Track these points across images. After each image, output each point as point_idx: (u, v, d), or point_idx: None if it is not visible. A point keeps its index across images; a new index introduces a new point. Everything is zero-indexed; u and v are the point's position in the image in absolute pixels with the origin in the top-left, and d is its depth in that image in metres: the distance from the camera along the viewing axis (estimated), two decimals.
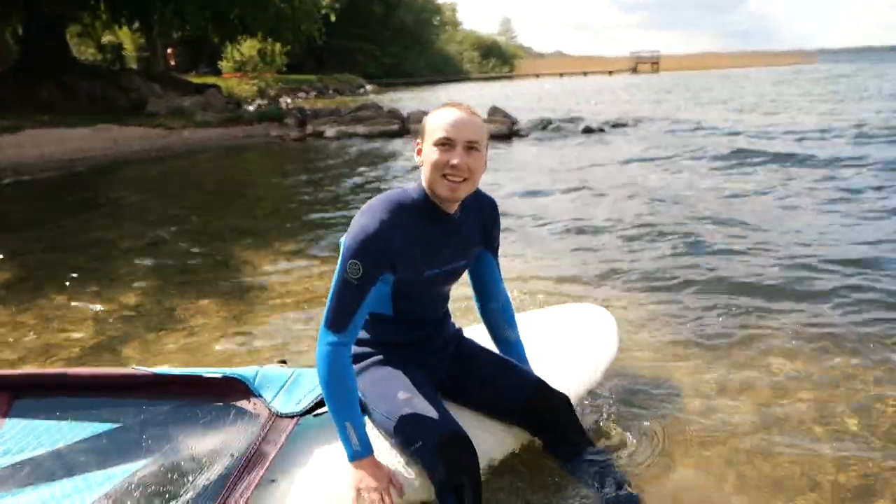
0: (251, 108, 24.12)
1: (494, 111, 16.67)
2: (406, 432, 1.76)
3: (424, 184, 1.80)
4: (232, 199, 9.03)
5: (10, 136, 14.77)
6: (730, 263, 4.61)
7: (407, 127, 17.01)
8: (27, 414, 1.86)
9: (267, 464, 1.73)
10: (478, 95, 33.04)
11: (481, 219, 1.98)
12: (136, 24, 23.11)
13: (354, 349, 1.90)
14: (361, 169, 11.17)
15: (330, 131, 17.11)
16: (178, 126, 18.69)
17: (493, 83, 55.44)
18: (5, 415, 1.86)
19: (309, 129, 18.12)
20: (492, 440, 1.99)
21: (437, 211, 1.83)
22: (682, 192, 7.46)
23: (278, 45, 32.18)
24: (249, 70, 34.98)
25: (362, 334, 1.96)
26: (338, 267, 1.76)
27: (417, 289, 1.89)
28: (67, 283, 4.92)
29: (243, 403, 1.92)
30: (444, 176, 1.72)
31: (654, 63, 76.80)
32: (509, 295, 2.22)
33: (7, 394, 1.90)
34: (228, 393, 1.95)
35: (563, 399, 2.01)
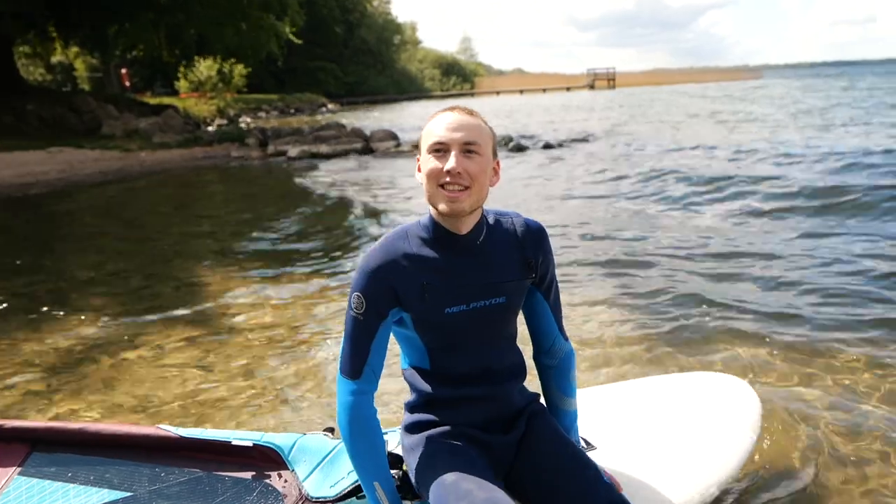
0: (211, 128, 23.76)
1: None
2: None
3: (426, 201, 1.55)
4: (193, 224, 8.80)
5: None
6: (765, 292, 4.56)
7: (370, 146, 16.94)
8: (40, 469, 1.76)
9: None
10: None
11: (520, 246, 1.63)
12: (88, 45, 22.59)
13: (406, 417, 1.69)
14: (327, 190, 11.04)
15: (293, 151, 16.93)
16: (135, 148, 18.30)
17: (455, 100, 55.86)
18: (20, 465, 1.77)
19: (271, 149, 17.90)
20: None
21: (447, 234, 1.56)
22: (647, 209, 7.53)
23: (239, 66, 31.87)
24: (208, 90, 34.51)
25: (411, 396, 1.70)
26: (347, 305, 1.59)
27: (446, 332, 1.58)
28: (25, 316, 4.73)
29: (272, 479, 1.72)
30: (442, 186, 1.49)
31: (610, 79, 78.41)
32: (573, 348, 1.80)
33: (26, 445, 1.82)
34: (259, 463, 1.76)
35: None
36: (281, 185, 12.63)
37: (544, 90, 73.56)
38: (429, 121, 1.55)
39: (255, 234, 7.66)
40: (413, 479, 1.61)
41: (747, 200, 7.59)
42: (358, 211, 8.72)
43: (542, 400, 1.81)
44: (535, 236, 1.66)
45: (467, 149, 1.49)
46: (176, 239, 7.68)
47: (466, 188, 1.48)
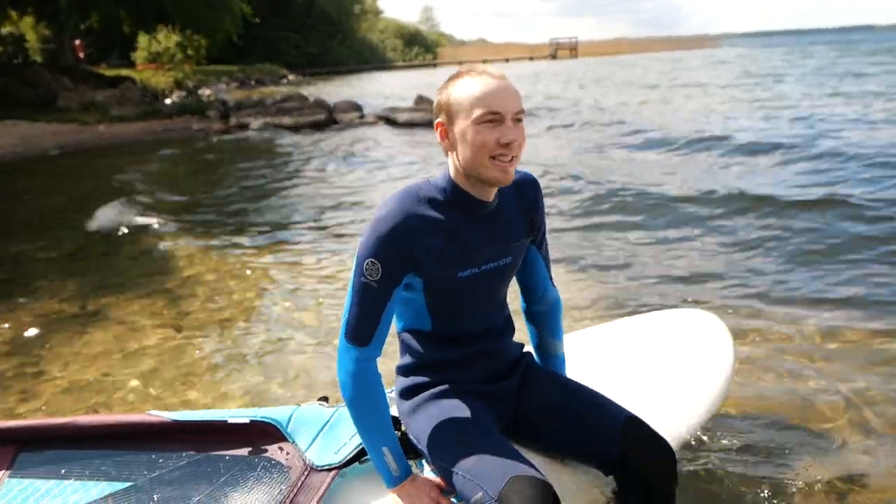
0: (169, 101, 23.34)
1: (420, 100, 16.83)
2: (465, 483, 1.43)
3: (461, 168, 1.49)
4: (155, 197, 8.83)
5: None
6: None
7: (334, 117, 16.96)
8: (32, 469, 1.68)
9: None
10: (403, 84, 33.05)
11: (521, 203, 1.64)
12: (42, 15, 21.88)
13: (401, 381, 1.68)
14: (294, 161, 11.13)
15: (255, 123, 16.85)
16: (93, 121, 17.97)
17: (418, 71, 55.43)
18: (9, 467, 1.68)
19: (233, 121, 17.77)
20: (575, 489, 1.62)
21: (469, 200, 1.52)
22: (621, 171, 7.88)
23: (198, 37, 31.19)
24: (166, 61, 33.70)
25: (405, 359, 1.67)
26: (353, 270, 1.51)
27: (455, 294, 1.56)
28: None
29: (274, 453, 1.68)
30: (493, 157, 1.43)
31: (572, 49, 78.54)
32: (559, 294, 1.84)
33: (13, 446, 1.73)
34: (258, 439, 1.72)
35: (662, 447, 1.57)
36: (244, 157, 12.63)
37: (507, 60, 73.43)
38: (459, 84, 1.46)
39: (218, 207, 7.74)
40: (416, 442, 1.61)
41: (702, 154, 8.04)
42: (324, 183, 8.88)
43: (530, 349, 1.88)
44: (532, 191, 1.67)
45: (517, 117, 1.45)
46: (143, 213, 7.66)
47: (513, 158, 1.45)
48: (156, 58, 34.24)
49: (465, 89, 1.45)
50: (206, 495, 1.58)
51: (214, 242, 5.91)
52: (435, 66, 71.88)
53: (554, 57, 76.35)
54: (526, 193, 1.65)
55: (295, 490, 1.56)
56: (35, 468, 1.68)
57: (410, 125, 14.75)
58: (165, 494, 1.59)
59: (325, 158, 11.26)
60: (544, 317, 1.84)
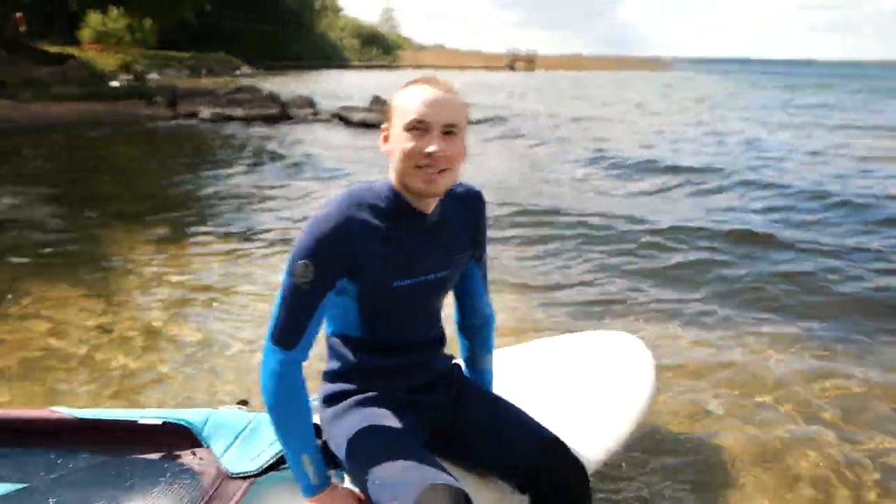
0: (115, 83, 22.55)
1: (376, 101, 16.77)
2: (381, 493, 1.40)
3: (394, 176, 1.49)
4: (94, 182, 8.53)
5: None
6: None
7: (287, 112, 16.72)
8: None
9: None
10: (360, 85, 32.86)
11: (466, 217, 1.63)
12: None
13: (326, 388, 1.64)
14: (240, 155, 10.92)
15: (204, 112, 16.46)
16: (29, 98, 17.19)
17: (375, 72, 55.21)
18: None
19: (181, 109, 17.31)
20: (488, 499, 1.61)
21: (408, 209, 1.50)
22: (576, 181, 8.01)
23: (149, 21, 30.26)
24: (113, 42, 32.55)
25: (332, 364, 1.64)
26: (285, 271, 1.47)
27: (389, 304, 1.54)
28: None
29: (187, 457, 1.60)
30: (419, 167, 1.42)
31: (529, 61, 79.61)
32: (493, 310, 1.85)
33: None
34: (170, 442, 1.63)
35: (575, 466, 1.57)
36: (191, 146, 12.33)
37: (462, 68, 73.90)
38: (402, 91, 1.47)
39: (162, 196, 7.55)
40: (336, 451, 1.57)
41: (645, 176, 8.24)
42: (270, 175, 8.74)
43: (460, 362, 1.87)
44: (477, 206, 1.67)
45: (448, 130, 1.43)
46: (76, 200, 7.42)
47: (444, 170, 1.43)
48: (102, 38, 33.03)
49: (404, 96, 1.45)
50: (109, 500, 1.46)
51: (156, 237, 5.74)
52: (394, 68, 71.72)
53: (511, 68, 77.22)
54: (470, 207, 1.65)
55: (206, 498, 1.47)
56: None
57: (364, 125, 14.67)
58: (64, 498, 1.47)
59: (274, 152, 11.08)
60: (477, 331, 1.84)
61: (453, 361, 1.78)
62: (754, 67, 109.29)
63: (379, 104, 16.30)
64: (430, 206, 1.52)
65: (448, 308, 1.75)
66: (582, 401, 2.01)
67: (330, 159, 10.26)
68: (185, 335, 3.58)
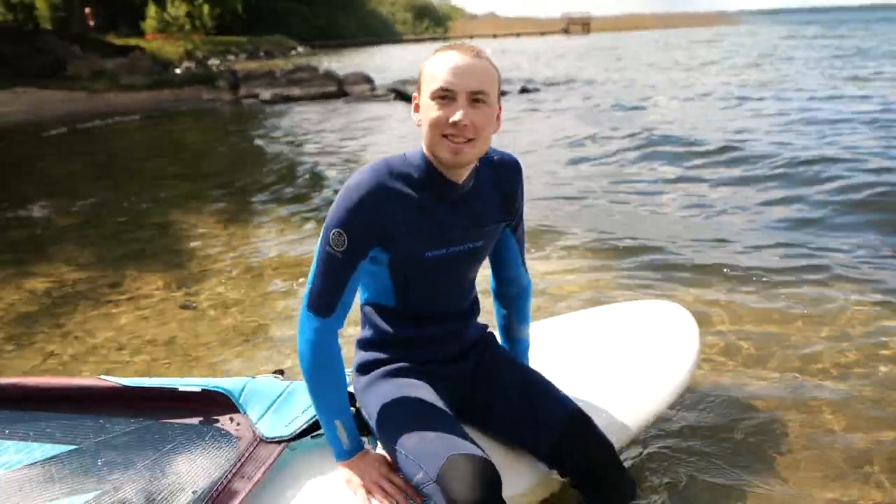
0: (179, 70, 23.27)
1: None
2: (408, 463, 1.43)
3: (424, 146, 1.47)
4: (165, 166, 8.87)
5: None
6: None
7: (344, 89, 16.89)
8: None
9: (239, 500, 1.45)
10: (413, 59, 32.80)
11: (500, 187, 1.59)
12: None
13: (360, 356, 1.66)
14: (301, 133, 11.12)
15: (265, 94, 16.81)
16: (102, 89, 17.98)
17: (428, 45, 54.96)
18: None
19: (242, 91, 17.74)
20: (518, 478, 1.59)
21: (440, 179, 1.48)
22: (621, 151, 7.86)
23: (206, 7, 31.02)
24: (175, 31, 33.53)
25: (365, 332, 1.65)
26: (319, 240, 1.48)
27: (421, 274, 1.53)
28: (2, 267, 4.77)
29: (224, 423, 1.66)
30: (445, 136, 1.39)
31: (584, 24, 77.59)
32: (531, 280, 1.82)
33: None
34: (209, 409, 1.70)
35: (600, 443, 1.55)
36: (255, 128, 12.64)
37: (518, 35, 72.61)
38: (430, 59, 1.44)
39: (230, 177, 7.76)
40: (368, 419, 1.59)
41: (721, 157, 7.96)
42: (333, 154, 8.88)
43: (495, 331, 1.85)
44: (513, 175, 1.63)
45: (475, 97, 1.39)
46: (149, 182, 7.72)
47: (471, 140, 1.40)
48: (165, 27, 34.07)
49: (432, 64, 1.42)
50: (151, 461, 1.54)
51: (227, 215, 5.94)
52: (445, 39, 71.19)
53: (566, 32, 75.50)
54: (505, 176, 1.60)
55: (242, 460, 1.53)
56: None
57: None
58: (110, 458, 1.55)
59: (335, 131, 11.25)
60: (513, 301, 1.82)
61: (487, 330, 1.77)
62: (836, 15, 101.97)
63: None
64: (462, 175, 1.50)
65: (485, 275, 1.71)
66: (619, 372, 1.99)
67: (391, 134, 10.35)
68: (258, 309, 3.68)
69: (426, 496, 1.40)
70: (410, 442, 1.43)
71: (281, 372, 1.89)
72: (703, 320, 2.96)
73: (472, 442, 1.42)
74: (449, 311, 1.62)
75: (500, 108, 1.48)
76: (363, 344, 1.66)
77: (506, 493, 1.39)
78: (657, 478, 2.02)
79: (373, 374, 1.62)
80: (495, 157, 1.60)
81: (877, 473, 2.06)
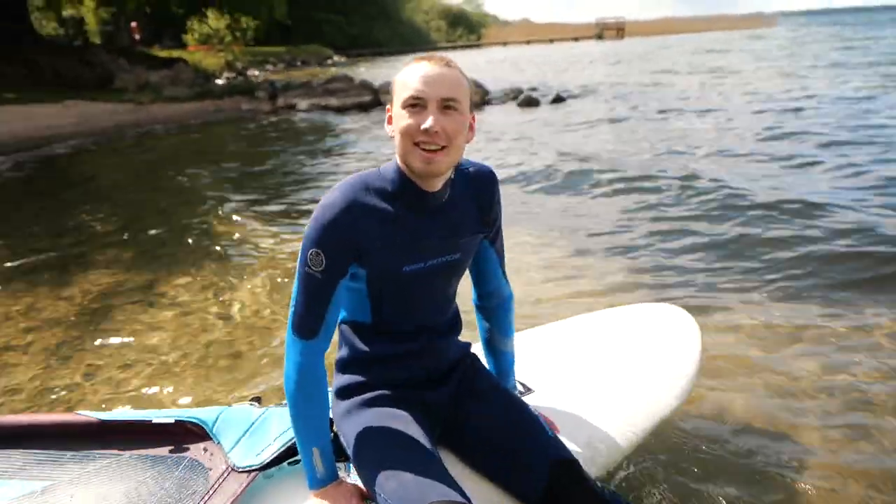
0: (220, 81, 23.95)
1: None
2: (385, 500, 1.39)
3: (398, 157, 1.46)
4: (209, 175, 9.18)
5: None
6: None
7: (379, 98, 17.21)
8: None
9: None
10: None
11: (476, 197, 1.58)
12: None
13: (338, 379, 1.63)
14: (339, 142, 11.41)
15: (302, 104, 17.23)
16: (147, 101, 18.60)
17: (462, 52, 55.29)
18: None
19: (280, 102, 18.19)
20: None
21: (415, 190, 1.47)
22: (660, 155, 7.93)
23: (247, 19, 31.90)
24: (216, 43, 34.48)
25: (342, 352, 1.63)
26: (298, 261, 1.46)
27: (397, 288, 1.51)
28: (47, 267, 5.02)
29: (197, 453, 1.68)
30: (417, 144, 1.39)
31: (619, 29, 77.18)
32: (512, 292, 1.80)
33: None
34: (183, 439, 1.72)
35: (589, 492, 1.48)
36: (292, 137, 12.98)
37: (551, 41, 72.48)
38: (402, 70, 1.45)
39: (267, 185, 8.01)
40: (346, 448, 1.57)
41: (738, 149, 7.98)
42: (369, 162, 9.13)
43: (479, 347, 1.84)
44: (489, 187, 1.61)
45: (446, 104, 1.39)
46: (188, 190, 8.00)
47: (443, 148, 1.39)
48: (206, 39, 35.04)
49: (403, 75, 1.43)
50: (123, 495, 1.56)
51: (264, 223, 6.15)
52: (479, 46, 71.45)
53: (600, 38, 75.10)
54: (481, 187, 1.59)
55: (211, 491, 1.53)
56: None
57: None
58: (83, 493, 1.58)
59: (370, 139, 11.51)
60: (494, 313, 1.79)
61: (470, 350, 1.74)
62: (876, 15, 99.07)
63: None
64: (437, 185, 1.48)
65: (468, 292, 1.74)
66: (619, 378, 1.94)
67: None
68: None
69: None
70: (389, 485, 1.38)
71: (258, 399, 1.90)
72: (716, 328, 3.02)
73: (451, 482, 1.38)
74: (425, 326, 1.59)
75: (473, 118, 1.48)
76: (341, 365, 1.63)
77: None
78: (657, 492, 2.00)
79: (352, 400, 1.59)
80: (471, 169, 1.59)
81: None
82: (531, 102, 14.82)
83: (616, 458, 1.75)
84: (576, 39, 73.61)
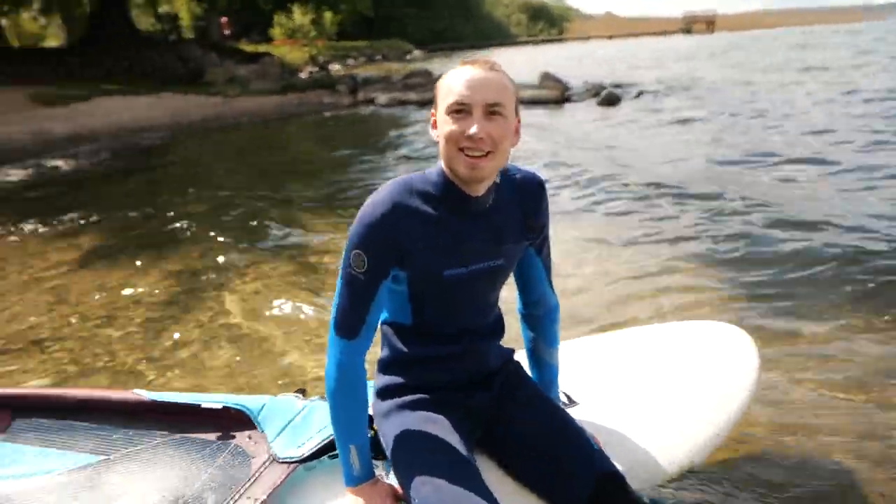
0: (303, 75, 24.58)
1: (546, 77, 16.69)
2: None
3: (442, 162, 1.46)
4: (292, 167, 9.44)
5: (82, 104, 15.66)
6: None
7: None
8: (22, 435, 1.84)
9: None
10: (527, 60, 32.79)
11: (521, 204, 1.56)
12: None
13: (379, 379, 1.65)
14: (415, 136, 11.47)
15: (381, 98, 17.44)
16: (235, 95, 19.32)
17: (543, 47, 54.66)
18: (3, 431, 1.85)
19: (361, 96, 18.50)
20: None
21: (458, 194, 1.46)
22: (740, 162, 7.55)
23: (329, 14, 32.64)
24: (301, 37, 35.46)
25: (384, 353, 1.64)
26: (342, 260, 1.48)
27: (439, 292, 1.52)
28: (140, 246, 5.34)
29: (242, 440, 1.74)
30: (462, 150, 1.38)
31: (708, 23, 74.16)
32: (558, 302, 1.76)
33: (7, 411, 1.90)
34: (229, 425, 1.78)
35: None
36: (372, 131, 13.16)
37: (636, 35, 70.58)
38: (446, 75, 1.44)
39: (344, 178, 8.16)
40: (385, 449, 1.57)
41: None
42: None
43: (523, 355, 1.81)
44: (536, 194, 1.58)
45: (491, 110, 1.38)
46: (271, 179, 8.26)
47: (488, 153, 1.38)
48: (292, 34, 36.09)
49: (447, 79, 1.42)
50: (171, 475, 1.64)
51: (343, 214, 6.23)
52: (560, 41, 70.46)
53: (688, 32, 72.54)
54: (527, 195, 1.57)
55: (252, 480, 1.57)
56: (25, 434, 1.84)
57: (534, 102, 14.70)
58: (133, 470, 1.68)
59: None
60: (540, 322, 1.75)
61: (513, 357, 1.73)
62: None
63: (548, 80, 16.21)
64: (480, 190, 1.47)
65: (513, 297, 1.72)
66: (669, 396, 1.84)
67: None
68: None
69: None
70: (424, 490, 1.39)
71: (303, 391, 1.92)
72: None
73: (487, 492, 1.38)
74: (467, 329, 1.58)
75: (518, 121, 1.46)
76: (382, 366, 1.64)
77: None
78: None
79: (392, 401, 1.60)
80: (517, 176, 1.57)
81: None
82: (612, 100, 14.40)
83: (656, 482, 1.67)
84: (662, 34, 71.35)
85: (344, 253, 1.47)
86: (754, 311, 3.47)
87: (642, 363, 2.00)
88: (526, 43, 66.62)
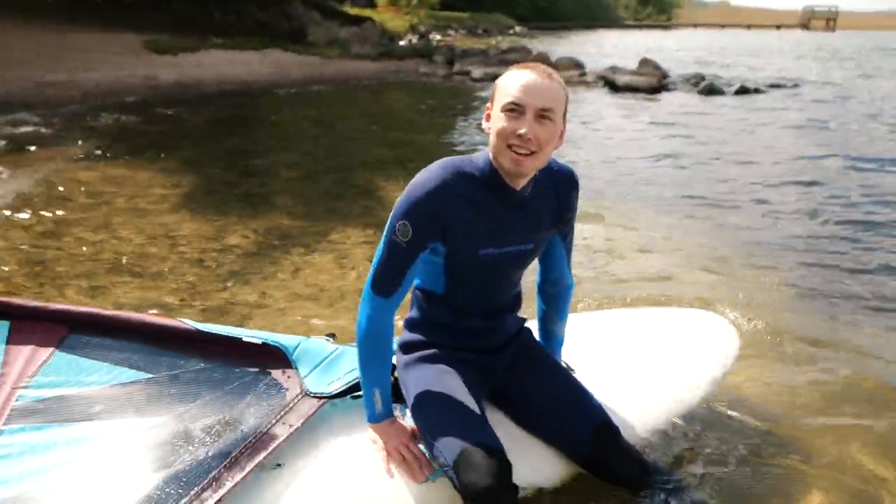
0: (402, 43, 24.77)
1: (644, 63, 16.17)
2: (432, 447, 1.60)
3: (490, 153, 1.59)
4: (379, 131, 9.58)
5: (191, 55, 16.35)
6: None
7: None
8: (76, 349, 1.97)
9: (274, 446, 1.63)
10: (630, 44, 31.80)
11: (556, 197, 1.71)
12: None
13: (404, 335, 1.83)
14: None
15: (476, 72, 17.36)
16: (335, 56, 19.71)
17: (647, 32, 52.72)
18: (58, 346, 1.98)
19: (456, 67, 18.47)
20: (543, 465, 1.74)
21: (501, 184, 1.60)
22: (842, 171, 7.13)
23: None
24: (404, 4, 35.69)
25: (413, 313, 1.82)
26: (387, 226, 1.61)
27: (473, 269, 1.67)
28: (235, 199, 5.58)
29: (277, 374, 1.87)
30: (510, 146, 1.51)
31: (829, 20, 69.33)
32: (574, 282, 1.96)
33: (65, 327, 2.03)
34: (265, 360, 1.91)
35: (629, 456, 1.71)
36: (466, 105, 13.16)
37: (749, 27, 66.94)
38: (505, 74, 1.57)
39: (433, 149, 8.17)
40: (405, 394, 1.76)
41: None
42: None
43: (533, 325, 1.99)
44: (569, 187, 1.73)
45: (541, 114, 1.50)
46: (358, 144, 8.38)
47: (533, 153, 1.51)
48: (395, 1, 36.35)
49: (505, 78, 1.55)
50: (211, 399, 1.78)
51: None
52: (667, 28, 67.79)
53: (805, 27, 68.18)
54: (562, 188, 1.72)
55: (286, 410, 1.73)
56: (80, 348, 1.97)
57: (629, 89, 14.28)
58: (177, 391, 1.82)
59: None
60: (554, 299, 1.95)
61: (525, 325, 1.91)
62: None
63: (647, 66, 15.70)
64: (521, 183, 1.61)
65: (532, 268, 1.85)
66: (650, 368, 2.08)
67: (577, 121, 10.25)
68: None
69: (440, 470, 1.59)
70: (437, 429, 1.59)
71: (333, 335, 2.07)
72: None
73: (490, 431, 1.59)
74: (493, 305, 1.76)
75: (564, 127, 1.59)
76: (409, 324, 1.82)
77: (522, 480, 1.58)
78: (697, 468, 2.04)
79: (414, 354, 1.78)
80: (555, 168, 1.71)
81: None
82: (713, 91, 13.81)
83: (643, 434, 1.88)
84: (777, 27, 67.33)
85: (390, 219, 1.61)
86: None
87: (632, 342, 2.23)
88: (632, 27, 64.43)
